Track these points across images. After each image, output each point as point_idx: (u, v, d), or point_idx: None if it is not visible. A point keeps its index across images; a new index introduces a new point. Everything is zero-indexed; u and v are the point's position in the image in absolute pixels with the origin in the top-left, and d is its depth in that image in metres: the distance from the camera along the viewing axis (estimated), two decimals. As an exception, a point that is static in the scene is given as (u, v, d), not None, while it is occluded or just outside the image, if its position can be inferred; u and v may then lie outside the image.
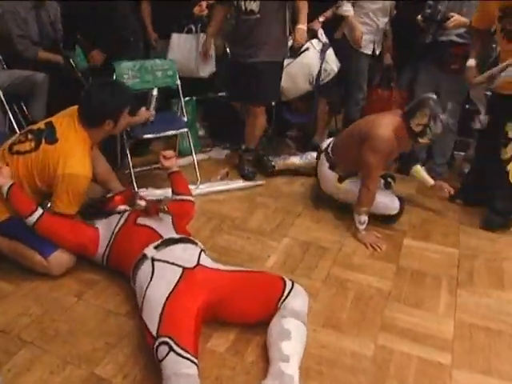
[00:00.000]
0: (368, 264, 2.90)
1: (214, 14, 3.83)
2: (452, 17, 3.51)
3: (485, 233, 3.33)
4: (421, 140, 3.03)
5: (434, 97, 2.97)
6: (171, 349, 1.86)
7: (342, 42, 4.22)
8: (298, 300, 2.18)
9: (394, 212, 3.28)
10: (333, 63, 4.11)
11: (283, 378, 1.91)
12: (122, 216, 2.69)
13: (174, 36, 4.10)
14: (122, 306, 2.44)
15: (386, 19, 4.16)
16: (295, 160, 4.10)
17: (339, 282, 2.71)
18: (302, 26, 3.68)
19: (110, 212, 2.75)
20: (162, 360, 1.87)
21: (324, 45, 4.09)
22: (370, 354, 2.21)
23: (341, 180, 3.31)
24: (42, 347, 2.16)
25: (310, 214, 3.45)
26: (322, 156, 3.44)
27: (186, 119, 3.87)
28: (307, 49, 4.04)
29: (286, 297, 2.16)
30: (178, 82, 3.86)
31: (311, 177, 3.86)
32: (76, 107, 2.67)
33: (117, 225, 2.62)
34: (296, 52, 4.01)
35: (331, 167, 3.34)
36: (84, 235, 2.60)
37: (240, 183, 3.84)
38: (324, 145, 3.52)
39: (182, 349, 1.87)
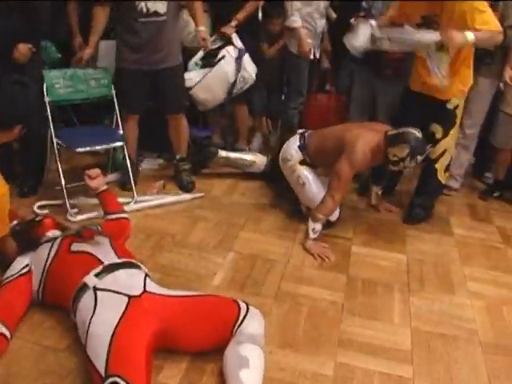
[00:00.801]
0: (318, 275, 2.82)
1: (94, 18, 3.42)
2: None
3: (428, 235, 3.36)
4: (391, 167, 3.01)
5: (420, 136, 2.91)
6: (122, 390, 1.70)
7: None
8: (254, 324, 2.05)
9: (334, 219, 3.25)
10: (251, 70, 3.95)
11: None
12: (53, 244, 2.39)
13: (102, 43, 3.86)
14: (62, 341, 2.21)
15: (324, 21, 4.11)
16: (244, 155, 4.01)
17: (291, 297, 2.60)
18: (202, 29, 3.53)
19: (40, 240, 2.48)
20: (113, 402, 1.69)
21: (240, 51, 3.91)
22: (331, 374, 2.12)
23: (303, 163, 3.28)
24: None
25: (253, 226, 3.33)
26: (296, 136, 3.38)
27: (121, 132, 3.59)
28: (223, 57, 3.85)
29: (242, 322, 2.02)
30: (113, 91, 3.63)
31: (255, 179, 3.86)
32: None
33: (48, 256, 2.32)
34: (212, 61, 3.85)
35: (301, 148, 3.29)
36: (26, 293, 2.30)
37: (178, 195, 3.66)
38: (300, 130, 3.48)
39: (133, 388, 1.70)
